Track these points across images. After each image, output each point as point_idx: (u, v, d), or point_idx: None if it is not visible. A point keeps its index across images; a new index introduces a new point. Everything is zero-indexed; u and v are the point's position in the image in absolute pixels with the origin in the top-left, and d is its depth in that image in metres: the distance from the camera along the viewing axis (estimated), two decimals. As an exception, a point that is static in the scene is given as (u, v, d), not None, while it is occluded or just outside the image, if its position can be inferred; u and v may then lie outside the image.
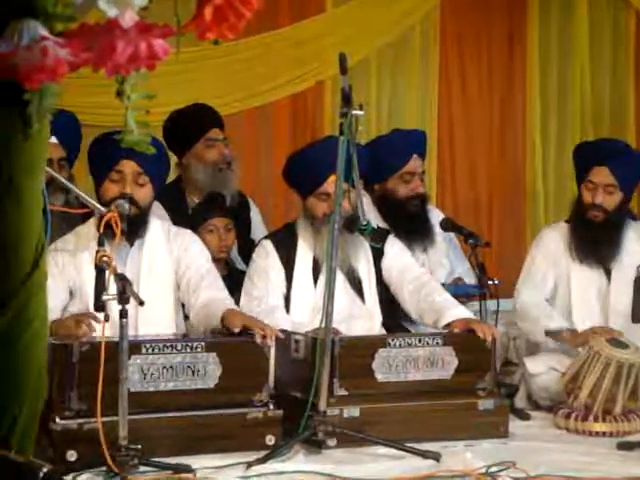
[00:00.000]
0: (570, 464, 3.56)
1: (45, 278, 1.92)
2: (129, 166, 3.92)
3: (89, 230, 3.92)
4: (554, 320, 4.47)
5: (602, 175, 4.55)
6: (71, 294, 3.94)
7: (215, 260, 4.39)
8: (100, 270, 3.34)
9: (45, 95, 1.77)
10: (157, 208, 4.76)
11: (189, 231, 4.21)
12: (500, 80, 6.30)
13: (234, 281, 4.39)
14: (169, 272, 4.03)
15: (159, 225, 4.10)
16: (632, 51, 6.41)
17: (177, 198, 4.93)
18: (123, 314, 3.24)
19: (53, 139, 4.40)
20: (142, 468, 3.29)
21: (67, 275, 3.91)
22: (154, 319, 3.90)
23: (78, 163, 4.74)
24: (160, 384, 3.57)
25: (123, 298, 3.24)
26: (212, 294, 3.93)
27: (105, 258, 3.36)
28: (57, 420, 3.43)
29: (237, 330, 3.68)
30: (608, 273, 4.60)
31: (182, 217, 4.79)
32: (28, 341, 1.84)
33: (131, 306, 3.32)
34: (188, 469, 3.34)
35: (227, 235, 4.75)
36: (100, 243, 3.47)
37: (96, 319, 3.58)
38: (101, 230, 3.51)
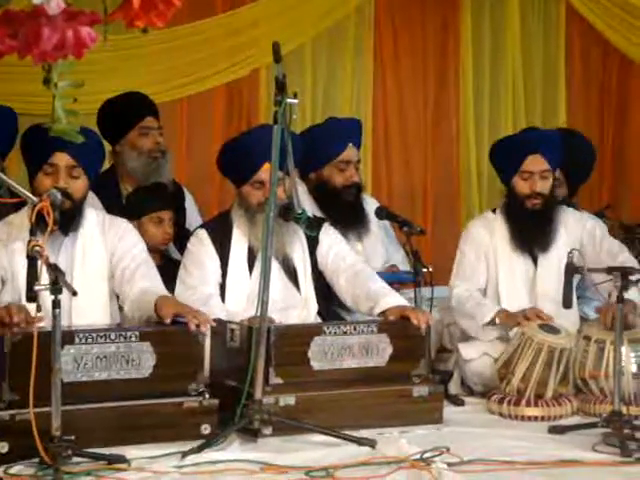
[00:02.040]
0: (503, 449, 3.60)
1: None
2: (63, 159, 3.88)
3: (22, 220, 3.87)
4: (487, 313, 4.51)
5: (537, 162, 4.63)
6: (3, 283, 3.88)
7: (152, 250, 4.37)
8: (32, 260, 3.30)
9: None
10: (90, 197, 4.73)
11: (125, 221, 4.17)
12: (434, 69, 6.33)
13: (169, 271, 4.36)
14: (103, 262, 3.99)
15: (94, 216, 4.06)
16: (562, 40, 6.49)
17: (111, 187, 4.89)
18: (56, 304, 3.20)
19: None
20: (76, 459, 3.25)
21: None
22: (88, 309, 3.86)
23: (12, 153, 4.67)
24: (94, 374, 3.54)
25: (56, 288, 3.21)
26: (146, 284, 3.91)
27: (37, 248, 3.31)
28: (-12, 411, 3.38)
29: (168, 320, 3.67)
30: (535, 260, 4.67)
31: (116, 205, 4.75)
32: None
33: (65, 297, 3.28)
34: (122, 459, 3.31)
35: (170, 226, 4.74)
36: (32, 233, 3.42)
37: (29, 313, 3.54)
38: (32, 219, 3.45)
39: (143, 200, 4.74)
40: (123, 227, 4.10)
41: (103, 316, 3.96)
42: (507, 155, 4.76)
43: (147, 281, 3.93)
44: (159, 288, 3.93)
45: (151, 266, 4.06)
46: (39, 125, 3.83)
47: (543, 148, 4.67)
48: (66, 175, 3.88)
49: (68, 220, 3.87)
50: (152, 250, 4.38)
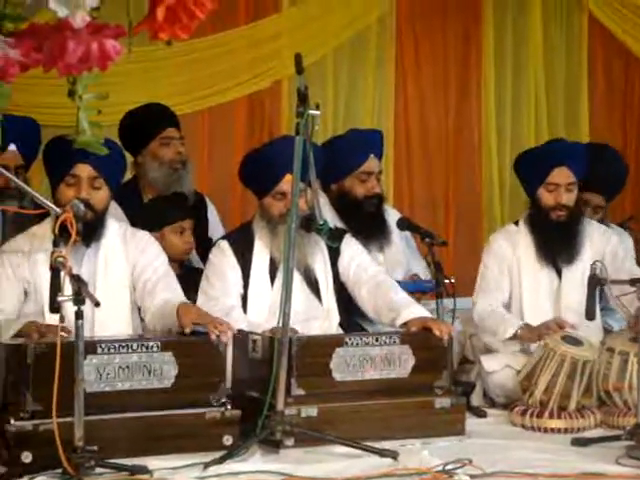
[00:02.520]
0: (526, 461, 3.58)
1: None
2: (84, 170, 3.90)
3: (44, 231, 3.89)
4: (509, 329, 4.49)
5: (563, 175, 4.63)
6: (26, 295, 3.90)
7: (173, 260, 4.38)
8: (55, 271, 3.32)
9: (-6, 96, 1.75)
10: (113, 207, 4.75)
11: (147, 233, 4.19)
12: (456, 80, 6.33)
13: (190, 280, 4.38)
14: (125, 273, 4.01)
15: (116, 227, 4.07)
16: (585, 52, 6.47)
17: (133, 197, 4.92)
18: (79, 315, 3.22)
19: (12, 147, 4.37)
20: (98, 470, 3.26)
21: (21, 276, 3.88)
22: (110, 320, 3.88)
23: (35, 164, 4.70)
24: (116, 384, 3.55)
25: (79, 299, 3.22)
26: (168, 295, 3.92)
27: (60, 259, 3.33)
28: (12, 421, 3.38)
29: (188, 330, 3.67)
30: (559, 272, 4.66)
31: (139, 216, 4.77)
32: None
33: (87, 308, 3.30)
34: (144, 470, 3.32)
35: (191, 236, 4.75)
36: (55, 244, 3.44)
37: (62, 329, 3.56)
38: (56, 230, 3.47)
39: (164, 210, 4.75)
40: (145, 239, 4.12)
41: (125, 327, 3.97)
42: (533, 166, 4.75)
43: (169, 293, 3.95)
44: (180, 298, 3.94)
45: (172, 278, 4.08)
46: (61, 137, 3.85)
47: (569, 160, 4.66)
48: (88, 186, 3.90)
49: (90, 231, 3.89)
50: (173, 260, 4.39)
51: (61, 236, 3.47)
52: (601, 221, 5.04)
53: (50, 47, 1.67)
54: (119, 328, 3.90)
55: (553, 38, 6.43)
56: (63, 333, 3.33)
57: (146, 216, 4.71)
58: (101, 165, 3.88)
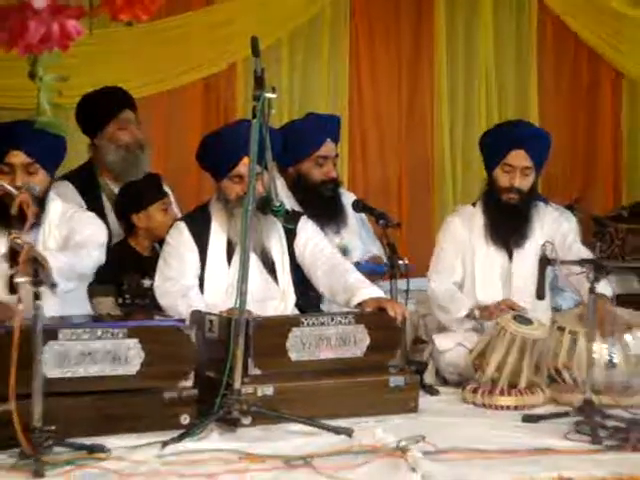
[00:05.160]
0: (477, 437, 3.61)
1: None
2: (18, 157, 3.91)
3: None
4: (462, 308, 4.55)
5: (520, 158, 4.63)
6: None
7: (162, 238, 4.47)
8: (13, 252, 3.29)
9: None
10: (69, 190, 4.73)
11: (91, 214, 4.19)
12: (408, 65, 6.34)
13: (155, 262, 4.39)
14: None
15: (59, 209, 4.06)
16: (534, 37, 6.51)
17: (89, 179, 4.88)
18: (37, 296, 3.20)
19: None
20: (57, 449, 3.25)
21: None
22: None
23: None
24: (79, 370, 3.52)
25: (37, 281, 3.21)
26: None
27: (18, 240, 3.31)
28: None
29: None
30: (510, 253, 4.70)
31: (94, 198, 4.76)
32: None
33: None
34: (102, 448, 3.30)
35: (174, 211, 4.81)
36: (12, 225, 3.42)
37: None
38: (14, 212, 3.44)
39: (145, 190, 4.73)
40: (82, 219, 4.09)
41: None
42: (493, 145, 4.75)
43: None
44: None
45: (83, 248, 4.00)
46: None
47: (528, 144, 4.65)
48: (23, 172, 3.91)
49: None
50: (161, 238, 4.48)
51: (19, 218, 3.45)
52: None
53: (11, 27, 1.66)
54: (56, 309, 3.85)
55: (503, 22, 6.46)
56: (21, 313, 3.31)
57: (129, 199, 4.70)
58: (34, 151, 3.90)
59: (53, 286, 3.34)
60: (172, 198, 5.09)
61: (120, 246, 4.67)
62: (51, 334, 3.44)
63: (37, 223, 3.91)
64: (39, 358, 3.21)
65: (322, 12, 6.07)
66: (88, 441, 3.35)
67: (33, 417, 3.18)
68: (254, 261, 4.11)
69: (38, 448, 3.15)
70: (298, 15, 5.98)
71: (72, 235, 3.99)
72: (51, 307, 3.28)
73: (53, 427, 3.22)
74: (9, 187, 3.65)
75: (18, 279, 3.23)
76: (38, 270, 3.23)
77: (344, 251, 4.76)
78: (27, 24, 1.66)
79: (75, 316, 3.87)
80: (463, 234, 4.73)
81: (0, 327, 3.44)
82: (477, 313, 4.53)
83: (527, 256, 4.60)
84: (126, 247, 4.70)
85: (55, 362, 3.46)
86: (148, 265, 4.46)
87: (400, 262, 4.39)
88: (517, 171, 4.64)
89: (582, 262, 4.04)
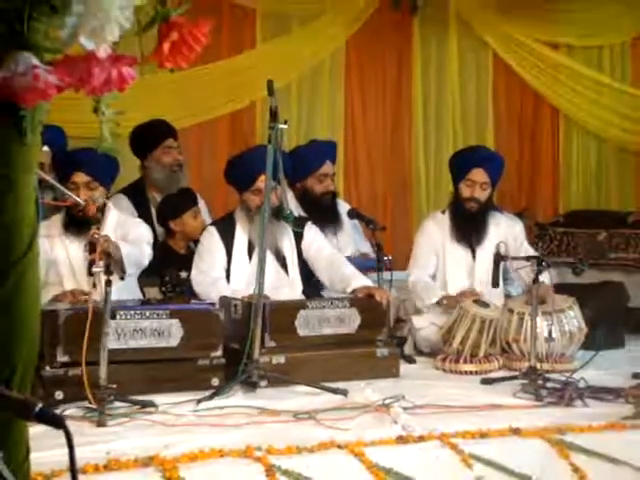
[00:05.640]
0: (446, 396, 3.61)
1: (37, 256, 1.90)
2: (80, 177, 3.95)
3: (58, 220, 3.98)
4: (433, 296, 4.54)
5: (479, 175, 4.62)
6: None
7: (194, 239, 4.49)
8: (92, 245, 3.31)
9: (37, 111, 1.74)
10: (124, 201, 4.75)
11: (140, 221, 4.21)
12: (391, 104, 6.36)
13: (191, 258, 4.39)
14: None
15: (115, 217, 4.07)
16: (490, 81, 6.52)
17: (140, 193, 4.89)
18: (108, 283, 3.21)
19: (45, 148, 4.33)
20: (116, 404, 3.26)
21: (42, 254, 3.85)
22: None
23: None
24: (132, 343, 3.53)
25: (109, 270, 3.23)
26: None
27: (97, 235, 3.34)
28: (47, 368, 3.37)
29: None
30: (474, 252, 4.70)
31: (144, 208, 4.78)
32: (25, 307, 1.80)
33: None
34: (152, 404, 3.32)
35: (203, 217, 4.80)
36: (91, 224, 3.49)
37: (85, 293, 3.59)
38: (99, 215, 3.62)
39: (179, 201, 4.72)
40: (133, 223, 4.11)
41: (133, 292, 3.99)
42: (459, 164, 4.73)
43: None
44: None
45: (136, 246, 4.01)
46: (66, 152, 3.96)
47: (487, 164, 4.64)
48: (85, 189, 3.93)
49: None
50: (194, 239, 4.49)
51: (70, 223, 3.49)
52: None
53: (79, 73, 1.66)
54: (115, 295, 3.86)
55: (466, 69, 6.47)
56: (92, 297, 3.32)
57: (166, 208, 4.70)
58: (93, 171, 3.94)
59: (123, 273, 3.35)
60: (205, 207, 5.11)
61: (162, 246, 4.66)
62: (111, 314, 3.44)
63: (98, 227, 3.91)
64: (107, 330, 3.21)
65: (323, 62, 6.09)
66: (140, 398, 3.36)
67: (100, 378, 3.18)
68: (269, 257, 4.10)
69: (102, 403, 3.16)
70: (304, 64, 6.00)
71: (126, 236, 4.00)
72: (111, 293, 3.28)
73: (114, 385, 3.23)
74: (77, 198, 3.66)
75: (95, 269, 3.24)
76: (110, 262, 3.25)
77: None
78: (92, 71, 1.67)
79: (129, 300, 3.88)
80: (436, 235, 4.72)
81: (76, 308, 3.45)
82: (444, 301, 4.52)
83: (487, 254, 4.58)
84: (166, 247, 4.70)
85: (114, 336, 3.47)
86: (184, 261, 4.45)
87: (385, 258, 4.40)
88: (477, 185, 4.63)
89: (528, 258, 4.05)
